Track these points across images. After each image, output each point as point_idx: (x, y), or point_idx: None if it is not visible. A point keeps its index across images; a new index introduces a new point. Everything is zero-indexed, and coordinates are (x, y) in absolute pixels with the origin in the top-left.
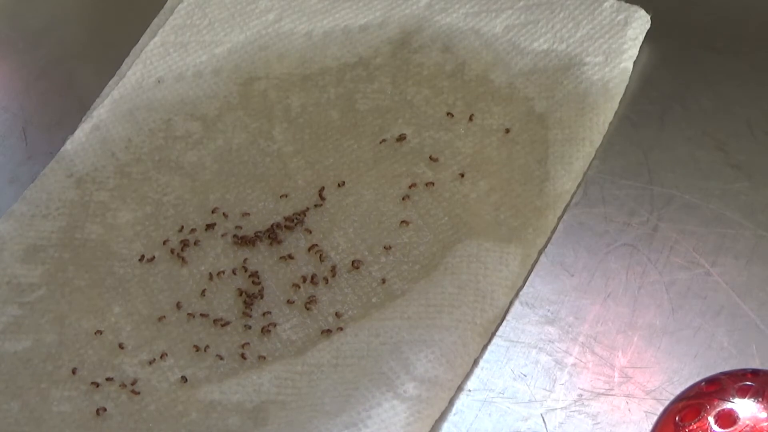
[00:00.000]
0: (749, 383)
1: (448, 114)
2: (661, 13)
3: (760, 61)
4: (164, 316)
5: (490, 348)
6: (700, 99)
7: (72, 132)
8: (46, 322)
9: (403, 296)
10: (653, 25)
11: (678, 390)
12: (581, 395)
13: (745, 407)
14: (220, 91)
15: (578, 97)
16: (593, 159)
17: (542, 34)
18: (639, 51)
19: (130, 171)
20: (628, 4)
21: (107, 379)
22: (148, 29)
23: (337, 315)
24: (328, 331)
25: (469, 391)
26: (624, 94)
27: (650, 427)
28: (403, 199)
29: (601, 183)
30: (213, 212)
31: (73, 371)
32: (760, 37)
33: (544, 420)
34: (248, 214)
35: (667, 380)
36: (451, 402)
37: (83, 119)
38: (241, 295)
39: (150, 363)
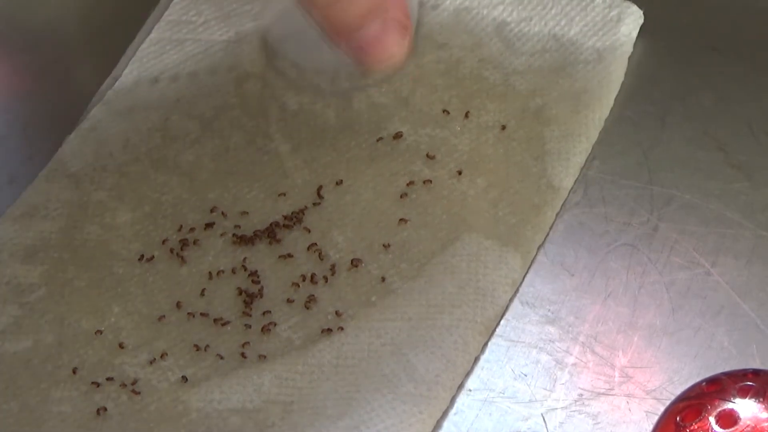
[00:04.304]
0: (750, 383)
1: (443, 111)
2: (662, 13)
3: (761, 61)
4: (164, 316)
5: (490, 348)
6: (700, 99)
7: (71, 132)
8: (46, 322)
9: (403, 296)
10: (654, 24)
11: (678, 390)
12: (582, 395)
13: (746, 407)
14: (216, 91)
15: (573, 95)
16: (593, 159)
17: (536, 32)
18: (638, 50)
19: (128, 171)
20: (620, 0)
21: (107, 379)
22: (143, 27)
23: (337, 314)
24: (329, 330)
25: (470, 390)
26: (624, 94)
27: (651, 427)
28: (401, 197)
29: (601, 183)
30: (212, 211)
31: (73, 371)
32: (761, 37)
33: (544, 420)
34: (247, 213)
35: (668, 380)
36: (451, 401)
37: (80, 119)
38: (240, 294)
39: (150, 363)
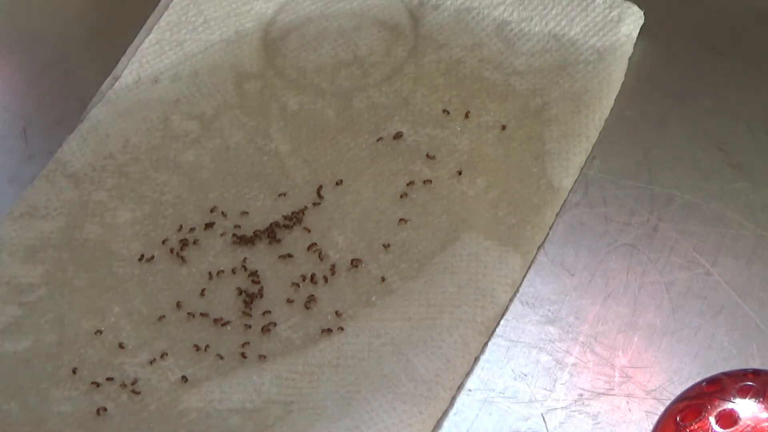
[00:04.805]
0: (750, 383)
1: (444, 111)
2: (662, 13)
3: (760, 61)
4: (164, 316)
5: (490, 348)
6: (700, 99)
7: (71, 132)
8: (46, 322)
9: (403, 296)
10: (654, 24)
11: (678, 390)
12: (582, 395)
13: (746, 407)
14: (216, 90)
15: (573, 95)
16: (594, 159)
17: (536, 32)
18: (638, 50)
19: (128, 171)
20: (621, 0)
21: (107, 379)
22: (144, 27)
23: (337, 314)
24: (329, 330)
25: (470, 390)
26: (624, 94)
27: (651, 427)
28: (401, 197)
29: (602, 183)
30: (212, 211)
31: (73, 371)
32: (760, 37)
33: (544, 420)
34: (247, 213)
35: (668, 380)
36: (451, 401)
37: (80, 119)
38: (240, 294)
39: (150, 363)
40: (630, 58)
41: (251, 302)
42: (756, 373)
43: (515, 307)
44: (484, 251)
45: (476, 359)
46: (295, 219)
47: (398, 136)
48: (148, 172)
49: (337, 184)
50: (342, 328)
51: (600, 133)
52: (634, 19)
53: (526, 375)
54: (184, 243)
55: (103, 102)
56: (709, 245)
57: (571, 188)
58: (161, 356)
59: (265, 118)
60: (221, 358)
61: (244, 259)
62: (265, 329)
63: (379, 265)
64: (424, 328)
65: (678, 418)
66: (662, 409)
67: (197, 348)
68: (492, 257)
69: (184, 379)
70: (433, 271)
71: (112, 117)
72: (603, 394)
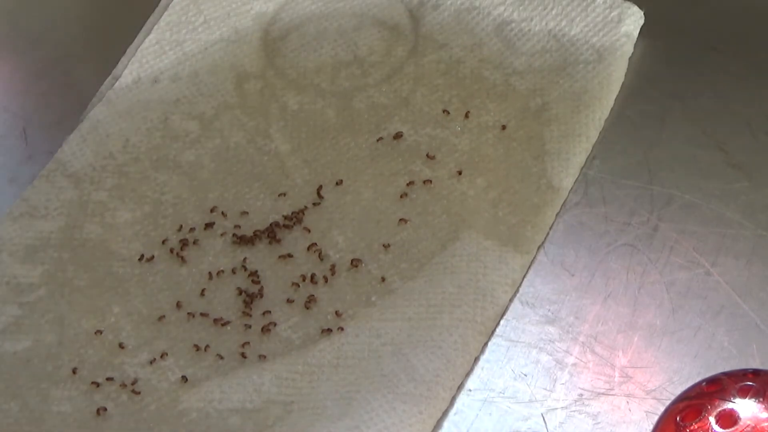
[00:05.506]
0: (750, 383)
1: (444, 111)
2: (662, 13)
3: (760, 61)
4: (164, 316)
5: (490, 348)
6: (700, 98)
7: (71, 132)
8: (46, 322)
9: (403, 296)
10: (654, 24)
11: (678, 390)
12: (582, 395)
13: (746, 407)
14: (216, 90)
15: (574, 95)
16: (594, 159)
17: (536, 32)
18: (638, 50)
19: (128, 170)
20: (621, 0)
21: (107, 379)
22: (144, 27)
23: (337, 314)
24: (329, 330)
25: (470, 390)
26: (624, 93)
27: (651, 427)
28: (401, 197)
29: (602, 183)
30: (212, 211)
31: (73, 371)
32: (760, 37)
33: (544, 420)
34: (247, 213)
35: (668, 380)
36: (451, 401)
37: (80, 119)
38: (240, 294)
39: (150, 363)
40: (630, 58)
41: (251, 302)
42: (756, 373)
43: (515, 307)
44: (484, 251)
45: (476, 359)
46: (295, 219)
47: (398, 136)
48: (148, 172)
49: (337, 184)
50: (342, 328)
51: (600, 133)
52: (634, 19)
53: (526, 375)
54: (184, 243)
55: (103, 102)
56: (709, 245)
57: (571, 188)
58: (161, 356)
59: (265, 118)
60: (221, 358)
61: (244, 259)
62: (265, 329)
63: (379, 265)
64: (424, 328)
65: (678, 418)
66: (662, 409)
67: (197, 348)
68: (492, 257)
69: (184, 379)
70: (433, 271)
71: (112, 117)
72: (603, 394)
